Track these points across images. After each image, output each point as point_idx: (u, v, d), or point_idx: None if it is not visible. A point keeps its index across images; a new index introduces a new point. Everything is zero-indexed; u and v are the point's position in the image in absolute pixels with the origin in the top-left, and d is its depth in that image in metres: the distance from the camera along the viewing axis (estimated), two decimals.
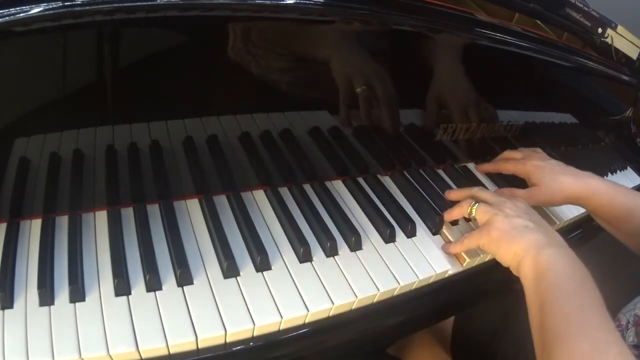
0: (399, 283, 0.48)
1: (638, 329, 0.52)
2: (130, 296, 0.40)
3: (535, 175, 0.63)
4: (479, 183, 0.68)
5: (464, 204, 0.56)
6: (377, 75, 0.55)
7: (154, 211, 0.48)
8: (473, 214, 0.54)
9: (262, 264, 0.45)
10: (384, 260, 0.50)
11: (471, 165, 0.73)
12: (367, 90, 0.55)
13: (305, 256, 0.47)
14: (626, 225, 0.60)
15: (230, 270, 0.43)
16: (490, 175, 0.72)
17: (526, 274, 0.47)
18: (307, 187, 0.57)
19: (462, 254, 0.54)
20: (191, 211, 0.49)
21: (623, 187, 0.62)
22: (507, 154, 0.70)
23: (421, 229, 0.56)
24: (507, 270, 0.50)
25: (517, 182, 0.66)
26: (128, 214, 0.47)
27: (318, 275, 0.46)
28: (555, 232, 0.52)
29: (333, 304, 0.44)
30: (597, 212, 0.62)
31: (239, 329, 0.40)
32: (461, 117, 0.66)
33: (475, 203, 0.54)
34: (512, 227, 0.50)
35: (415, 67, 0.59)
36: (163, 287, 0.41)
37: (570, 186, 0.61)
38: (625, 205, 0.59)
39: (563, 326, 0.41)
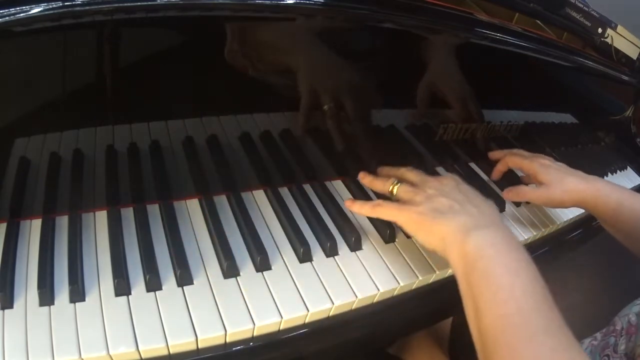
0: (398, 283, 0.48)
1: (629, 337, 0.51)
2: (130, 296, 0.40)
3: (542, 174, 0.62)
4: (479, 183, 0.68)
5: (387, 181, 0.52)
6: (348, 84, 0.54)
7: (154, 211, 0.48)
8: (395, 193, 0.51)
9: (262, 264, 0.45)
10: (384, 260, 0.50)
11: (473, 165, 0.73)
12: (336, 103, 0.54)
13: (305, 256, 0.47)
14: (633, 231, 0.59)
15: (230, 270, 0.43)
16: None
17: (454, 265, 0.43)
18: (307, 187, 0.57)
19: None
20: (191, 211, 0.49)
21: (630, 191, 0.61)
22: (516, 150, 0.70)
23: None
24: None
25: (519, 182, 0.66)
26: (128, 214, 0.47)
27: (318, 275, 0.46)
28: (490, 208, 0.47)
29: (333, 304, 0.44)
30: (604, 216, 0.61)
31: (239, 329, 0.40)
32: (461, 117, 0.66)
33: (397, 182, 0.51)
34: (433, 208, 0.46)
35: (415, 67, 0.59)
36: (163, 287, 0.41)
37: (577, 188, 0.60)
38: (632, 210, 0.58)
39: (500, 331, 0.36)
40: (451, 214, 0.45)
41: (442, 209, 0.45)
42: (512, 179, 0.70)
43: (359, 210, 0.51)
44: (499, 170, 0.69)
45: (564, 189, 0.60)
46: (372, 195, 0.58)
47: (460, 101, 0.65)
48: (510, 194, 0.63)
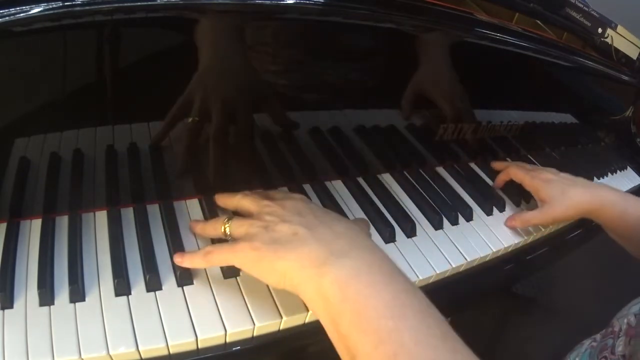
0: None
1: (628, 339, 0.51)
2: (130, 296, 0.40)
3: (544, 190, 0.61)
4: (480, 182, 0.68)
5: (217, 222, 0.42)
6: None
7: (154, 211, 0.48)
8: (228, 234, 0.41)
9: None
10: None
11: (473, 165, 0.73)
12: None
13: None
14: (639, 238, 0.58)
15: (230, 270, 0.43)
16: (496, 177, 0.72)
17: (314, 308, 0.35)
18: (307, 187, 0.57)
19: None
20: (191, 211, 0.49)
21: (636, 198, 0.60)
22: (519, 163, 0.69)
23: (421, 228, 0.56)
24: (506, 272, 0.50)
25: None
26: (128, 214, 0.47)
27: None
28: (348, 227, 0.39)
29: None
30: (609, 224, 0.61)
31: (239, 329, 0.40)
32: (460, 117, 0.66)
33: (228, 219, 0.41)
34: (272, 239, 0.37)
35: (415, 67, 0.59)
36: (163, 287, 0.41)
37: (580, 198, 0.59)
38: (637, 218, 0.58)
39: None
40: (296, 242, 0.36)
41: (283, 238, 0.36)
42: (514, 184, 0.70)
43: (191, 264, 0.41)
44: (501, 179, 0.69)
45: (567, 203, 0.59)
46: (371, 195, 0.58)
47: (462, 100, 0.65)
48: (514, 222, 0.61)
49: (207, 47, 0.41)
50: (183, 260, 0.41)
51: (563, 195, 0.59)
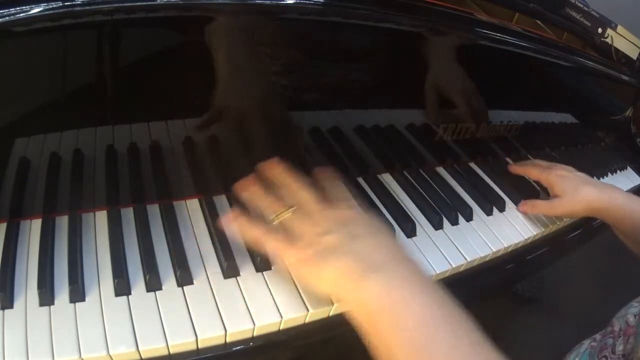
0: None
1: (626, 338, 0.51)
2: (130, 296, 0.40)
3: (558, 186, 0.64)
4: (480, 182, 0.68)
5: (277, 204, 0.43)
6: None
7: (154, 211, 0.48)
8: (277, 217, 0.42)
9: (262, 264, 0.45)
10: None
11: (472, 165, 0.73)
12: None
13: None
14: None
15: (230, 270, 0.43)
16: (496, 177, 0.72)
17: (357, 316, 0.37)
18: None
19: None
20: (191, 211, 0.49)
21: None
22: (537, 161, 0.72)
23: (421, 228, 0.56)
24: (506, 272, 0.50)
25: (524, 185, 0.67)
26: (128, 214, 0.47)
27: None
28: (385, 239, 0.40)
29: (333, 303, 0.44)
30: (617, 224, 0.63)
31: (239, 329, 0.40)
32: (461, 117, 0.66)
33: (289, 209, 0.42)
34: (318, 249, 0.39)
35: (415, 67, 0.59)
36: (163, 287, 0.41)
37: (591, 197, 0.61)
38: None
39: None
40: (337, 254, 0.38)
41: (327, 250, 0.38)
42: (516, 181, 0.71)
43: (242, 230, 0.43)
44: (516, 172, 0.72)
45: (578, 199, 0.62)
46: (371, 195, 0.58)
47: (464, 105, 0.65)
48: (525, 207, 0.65)
49: (220, 48, 0.42)
50: (237, 222, 0.43)
51: (575, 191, 0.62)
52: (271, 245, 0.41)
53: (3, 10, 0.32)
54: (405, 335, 0.34)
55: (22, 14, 0.33)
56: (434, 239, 0.55)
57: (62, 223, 0.45)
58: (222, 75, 0.44)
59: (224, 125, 0.48)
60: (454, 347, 0.33)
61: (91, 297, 0.39)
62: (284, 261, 0.41)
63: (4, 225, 0.43)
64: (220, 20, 0.42)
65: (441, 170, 0.69)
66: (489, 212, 0.63)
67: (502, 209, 0.65)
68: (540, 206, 0.64)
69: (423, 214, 0.59)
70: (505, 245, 0.59)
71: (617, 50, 0.83)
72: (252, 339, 0.41)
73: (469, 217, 0.61)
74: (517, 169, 0.72)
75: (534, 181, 0.71)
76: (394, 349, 0.34)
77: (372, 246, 0.39)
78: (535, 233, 0.64)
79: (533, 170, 0.69)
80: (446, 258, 0.53)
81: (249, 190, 0.45)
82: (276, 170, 0.46)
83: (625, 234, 0.63)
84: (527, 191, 0.70)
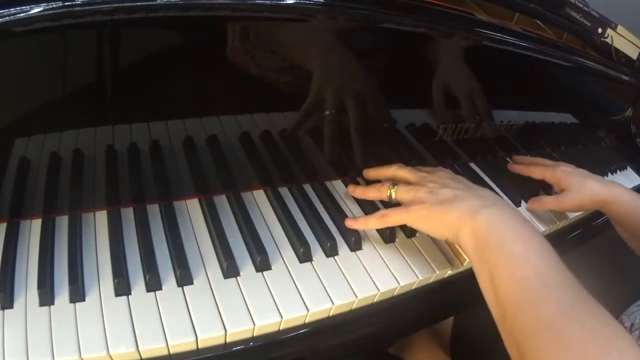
0: (398, 283, 0.48)
1: (638, 333, 0.51)
2: (130, 296, 0.40)
3: (565, 181, 0.65)
4: (480, 182, 0.68)
5: (382, 187, 0.52)
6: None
7: (154, 211, 0.48)
8: (393, 197, 0.51)
9: (262, 264, 0.45)
10: (384, 260, 0.50)
11: (473, 165, 0.73)
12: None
13: (305, 256, 0.47)
14: None
15: (230, 270, 0.43)
16: (496, 176, 0.72)
17: (466, 245, 0.44)
18: (307, 187, 0.57)
19: (462, 254, 0.53)
20: (191, 211, 0.49)
21: None
22: (539, 160, 0.73)
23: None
24: None
25: (524, 184, 0.67)
26: (128, 214, 0.47)
27: (318, 275, 0.46)
28: (490, 192, 0.49)
29: (333, 304, 0.44)
30: (620, 220, 0.63)
31: (239, 329, 0.40)
32: (462, 117, 0.66)
33: (393, 185, 0.51)
34: (439, 200, 0.47)
35: (414, 67, 0.59)
36: (163, 287, 0.41)
37: (597, 190, 0.63)
38: None
39: (519, 293, 0.38)
40: (457, 201, 0.46)
41: (447, 199, 0.47)
42: (516, 180, 0.71)
43: (365, 226, 0.50)
44: (517, 171, 0.72)
45: (584, 193, 0.63)
46: None
47: (465, 101, 0.65)
48: (534, 204, 0.66)
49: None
50: (356, 223, 0.50)
51: (582, 185, 0.63)
52: (398, 215, 0.48)
53: (3, 10, 0.32)
54: (507, 249, 0.40)
55: (22, 14, 0.33)
56: (435, 239, 0.55)
57: (62, 223, 0.45)
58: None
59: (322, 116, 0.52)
60: (550, 260, 0.40)
61: (91, 297, 0.39)
62: (410, 221, 0.48)
63: (4, 225, 0.43)
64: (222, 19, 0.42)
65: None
66: None
67: None
68: (548, 202, 0.65)
69: None
70: None
71: (617, 50, 0.83)
72: (252, 339, 0.41)
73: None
74: (518, 168, 0.72)
75: (535, 179, 0.71)
76: (497, 265, 0.40)
77: (483, 195, 0.48)
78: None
79: (536, 170, 0.69)
80: (447, 258, 0.53)
81: (356, 190, 0.55)
82: (372, 172, 0.57)
83: (626, 229, 0.63)
84: (527, 190, 0.70)
